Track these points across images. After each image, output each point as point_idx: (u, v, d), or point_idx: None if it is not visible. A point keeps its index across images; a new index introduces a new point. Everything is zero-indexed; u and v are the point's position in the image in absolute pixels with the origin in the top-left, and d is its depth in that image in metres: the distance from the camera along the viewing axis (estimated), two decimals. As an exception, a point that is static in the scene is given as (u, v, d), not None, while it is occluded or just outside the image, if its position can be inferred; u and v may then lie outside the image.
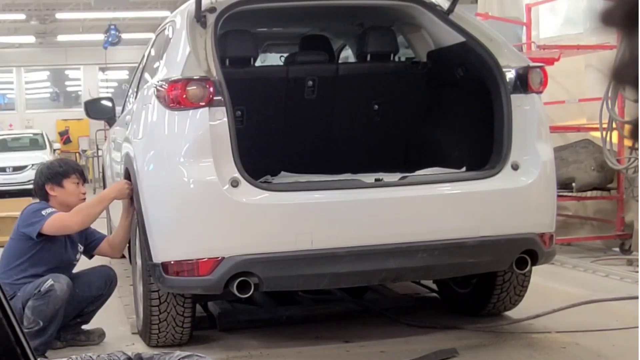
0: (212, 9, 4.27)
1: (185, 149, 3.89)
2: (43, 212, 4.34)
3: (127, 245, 4.87)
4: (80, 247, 4.61)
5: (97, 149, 18.84)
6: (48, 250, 4.39)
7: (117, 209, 5.23)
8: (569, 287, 5.69)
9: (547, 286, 5.56)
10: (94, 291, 4.56)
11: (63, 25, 24.41)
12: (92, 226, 4.66)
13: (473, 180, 4.18)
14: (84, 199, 4.59)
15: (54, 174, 4.52)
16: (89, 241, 4.66)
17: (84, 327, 4.66)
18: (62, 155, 23.16)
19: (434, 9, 4.63)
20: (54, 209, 4.39)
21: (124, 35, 23.49)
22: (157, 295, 4.19)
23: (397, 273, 4.13)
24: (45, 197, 4.52)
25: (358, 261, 3.94)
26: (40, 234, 4.32)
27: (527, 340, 4.35)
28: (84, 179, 4.66)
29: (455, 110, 4.93)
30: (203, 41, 4.14)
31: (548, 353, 4.11)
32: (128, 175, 4.43)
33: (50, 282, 4.22)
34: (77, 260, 4.63)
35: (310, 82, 4.97)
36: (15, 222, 4.47)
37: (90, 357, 3.12)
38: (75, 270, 4.61)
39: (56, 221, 4.32)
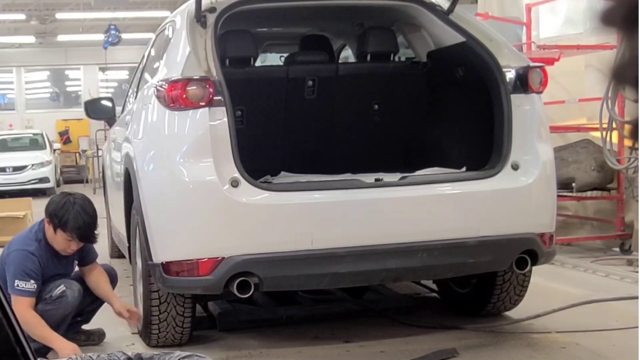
0: (212, 9, 4.27)
1: (185, 149, 3.89)
2: (16, 283, 4.17)
3: (128, 245, 4.87)
4: (75, 262, 4.56)
5: (97, 149, 18.82)
6: None
7: (118, 210, 5.23)
8: (569, 287, 5.69)
9: (547, 286, 5.56)
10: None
11: (63, 25, 24.38)
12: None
13: (473, 180, 4.17)
14: (70, 253, 4.39)
15: (55, 216, 4.27)
16: (82, 259, 4.57)
17: (84, 327, 4.67)
18: (62, 155, 23.21)
19: (434, 9, 4.63)
20: (26, 289, 4.17)
21: (124, 35, 23.47)
22: (157, 295, 4.19)
23: (397, 273, 4.13)
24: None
25: (358, 261, 3.94)
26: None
27: (527, 340, 4.35)
28: (82, 240, 4.33)
29: (455, 110, 4.93)
30: (203, 41, 4.14)
31: (548, 353, 4.11)
32: (128, 175, 4.42)
33: (62, 287, 4.24)
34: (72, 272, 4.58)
35: (310, 82, 4.97)
36: (6, 247, 4.38)
37: (90, 357, 3.12)
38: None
39: (15, 304, 4.09)
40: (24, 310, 4.11)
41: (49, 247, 4.34)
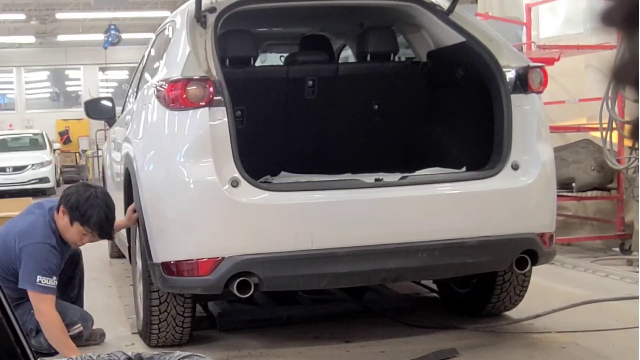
0: (212, 9, 4.27)
1: (185, 149, 3.89)
2: (38, 280, 4.08)
3: (128, 245, 4.87)
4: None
5: (97, 149, 18.85)
6: None
7: (118, 210, 5.23)
8: (569, 287, 5.69)
9: (547, 286, 5.56)
10: (64, 275, 4.55)
11: (63, 25, 24.39)
12: None
13: (473, 180, 4.17)
14: (80, 245, 4.44)
15: (77, 210, 4.17)
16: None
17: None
18: (62, 155, 23.21)
19: (434, 9, 4.63)
20: (49, 285, 4.09)
21: (124, 35, 23.48)
22: (157, 295, 4.19)
23: (397, 273, 4.12)
24: (57, 210, 4.26)
25: (358, 261, 3.94)
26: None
27: (527, 340, 4.35)
28: (102, 236, 4.32)
29: (455, 110, 4.93)
30: (203, 41, 4.14)
31: (548, 353, 4.11)
32: (128, 175, 4.42)
33: (80, 327, 4.33)
34: None
35: (310, 82, 4.97)
36: (16, 235, 4.21)
37: (90, 357, 3.11)
38: None
39: (38, 302, 4.10)
40: (50, 310, 4.11)
41: (61, 238, 4.28)
